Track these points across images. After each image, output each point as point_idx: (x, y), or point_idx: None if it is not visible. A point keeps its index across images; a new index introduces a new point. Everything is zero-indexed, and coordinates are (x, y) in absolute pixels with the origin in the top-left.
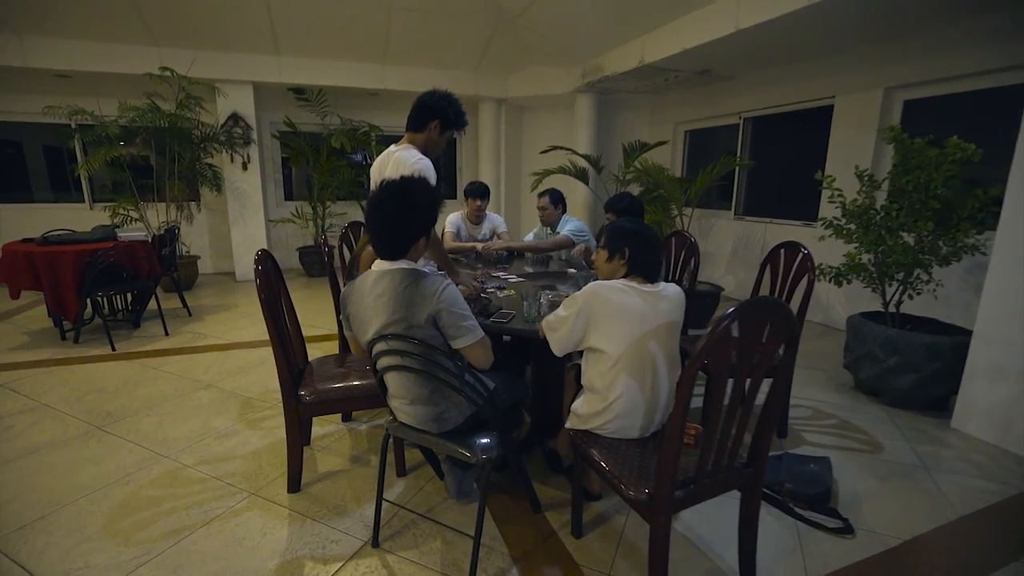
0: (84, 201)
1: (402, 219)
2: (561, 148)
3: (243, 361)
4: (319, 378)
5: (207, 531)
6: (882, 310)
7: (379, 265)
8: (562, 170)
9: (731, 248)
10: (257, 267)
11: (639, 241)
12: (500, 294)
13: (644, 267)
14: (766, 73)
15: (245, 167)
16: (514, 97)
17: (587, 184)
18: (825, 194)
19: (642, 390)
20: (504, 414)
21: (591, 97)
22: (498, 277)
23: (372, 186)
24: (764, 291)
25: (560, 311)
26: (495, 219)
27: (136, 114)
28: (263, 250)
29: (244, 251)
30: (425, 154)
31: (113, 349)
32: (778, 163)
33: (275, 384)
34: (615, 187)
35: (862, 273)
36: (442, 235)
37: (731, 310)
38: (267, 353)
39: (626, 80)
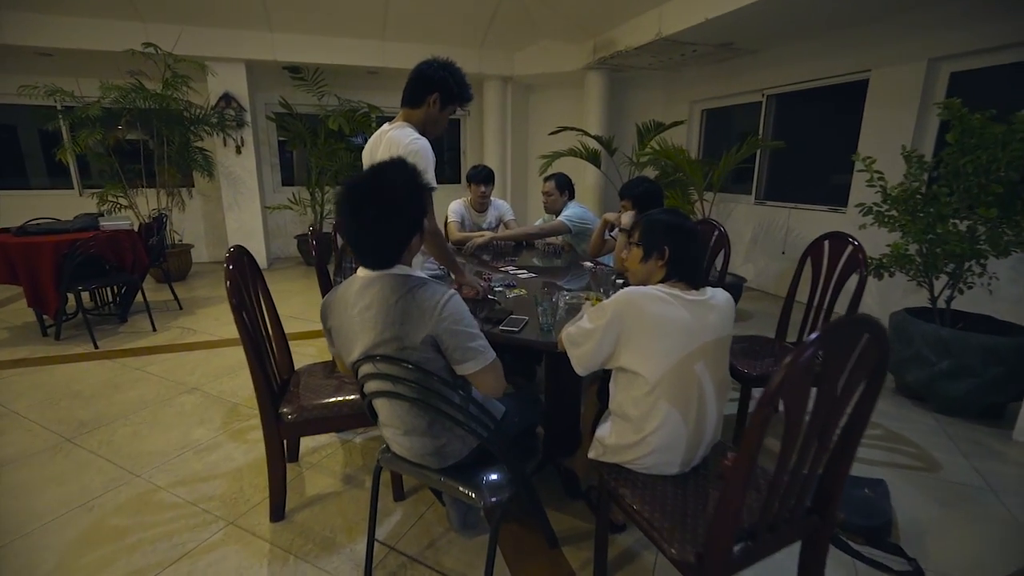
0: (74, 188)
1: (383, 224)
2: (571, 129)
3: (233, 360)
4: (305, 391)
5: (173, 574)
6: (929, 306)
7: (365, 271)
8: (572, 152)
9: (751, 235)
10: (228, 266)
11: (681, 237)
12: (509, 294)
13: (687, 270)
14: (793, 46)
15: (239, 151)
16: (521, 75)
17: (599, 167)
18: (861, 177)
19: (685, 420)
20: (515, 442)
21: (602, 75)
22: (506, 272)
23: None
24: (802, 291)
25: (584, 322)
26: (501, 206)
27: (119, 94)
28: (236, 247)
29: (239, 239)
30: (423, 134)
31: (96, 347)
32: (803, 144)
33: None
34: (629, 170)
35: (907, 265)
36: (445, 225)
37: (814, 336)
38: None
39: (640, 56)
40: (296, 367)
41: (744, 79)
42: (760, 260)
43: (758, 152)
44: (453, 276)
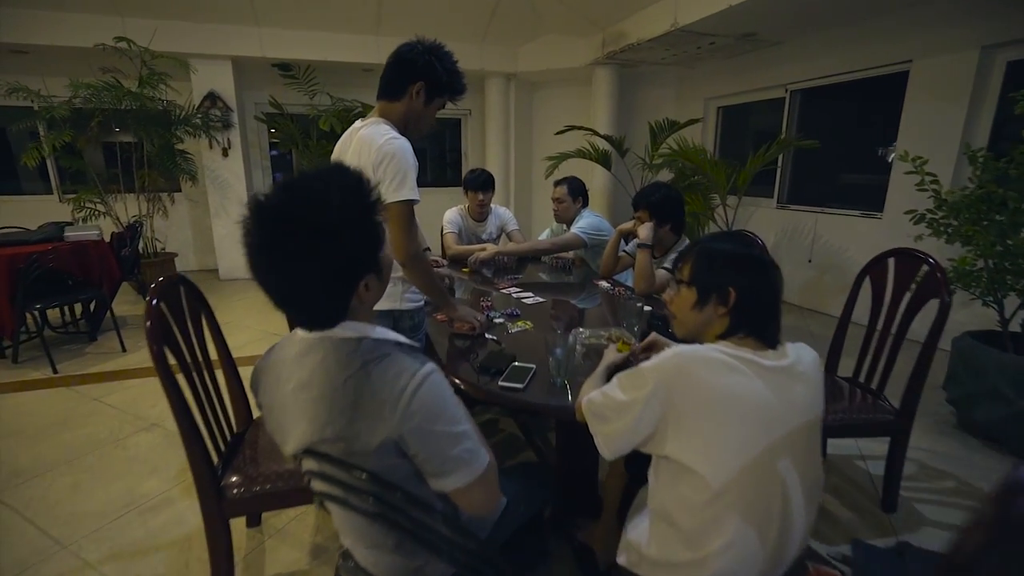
0: (53, 193)
1: (304, 265)
2: (579, 128)
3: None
4: (263, 454)
5: None
6: (997, 329)
7: (303, 331)
8: (580, 153)
9: (773, 242)
10: (152, 301)
11: (752, 275)
12: (511, 328)
13: (761, 320)
14: (821, 36)
15: (225, 153)
16: (524, 72)
17: (609, 169)
18: (900, 180)
19: (763, 541)
20: (515, 545)
21: (611, 70)
22: (508, 294)
23: None
24: (860, 314)
25: (615, 391)
26: (503, 215)
27: (90, 92)
28: (167, 277)
29: (228, 246)
30: (404, 133)
31: (54, 371)
32: (832, 143)
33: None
34: (641, 173)
35: (973, 283)
36: (441, 238)
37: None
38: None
39: (653, 50)
40: (256, 416)
41: (765, 73)
42: (783, 269)
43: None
44: (443, 310)
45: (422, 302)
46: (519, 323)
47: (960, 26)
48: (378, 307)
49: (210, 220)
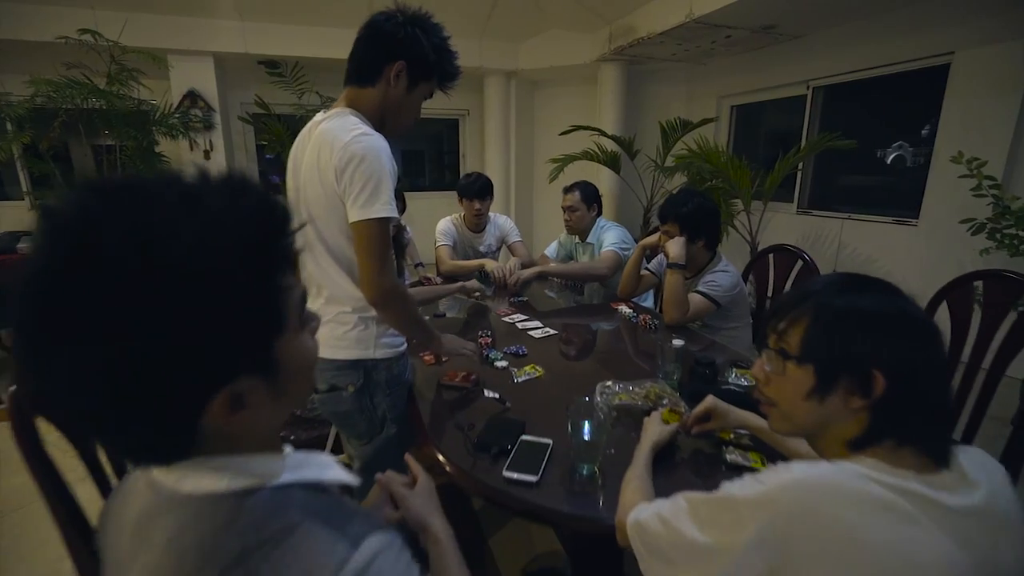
0: (25, 199)
1: (82, 358)
2: (585, 128)
3: None
4: None
5: None
6: None
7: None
8: (587, 155)
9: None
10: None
11: (912, 348)
12: (517, 376)
13: (923, 422)
14: (848, 28)
15: (207, 156)
16: (526, 69)
17: (618, 172)
18: (941, 183)
19: None
20: None
21: (618, 67)
22: (510, 325)
23: (289, 183)
24: None
25: (686, 523)
26: (503, 224)
27: (51, 89)
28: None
29: None
30: (381, 129)
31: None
32: (860, 143)
33: None
34: (652, 175)
35: None
36: (436, 252)
37: None
38: None
39: (664, 44)
40: None
41: (785, 69)
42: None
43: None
44: (427, 345)
45: (403, 347)
46: (527, 369)
47: (1010, 13)
48: (345, 355)
49: None
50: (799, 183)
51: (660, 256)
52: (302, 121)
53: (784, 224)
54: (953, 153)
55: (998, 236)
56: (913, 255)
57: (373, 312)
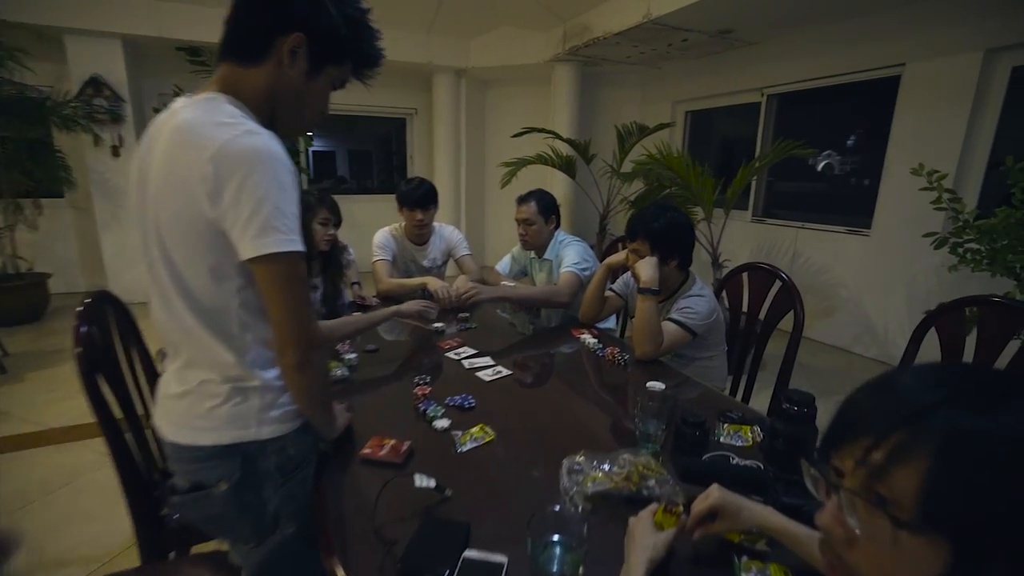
0: None
1: None
2: (539, 131)
3: (68, 472)
4: None
5: None
6: None
7: None
8: (541, 159)
9: (748, 257)
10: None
11: None
12: (460, 443)
13: None
14: (803, 36)
15: (116, 152)
16: (477, 67)
17: (573, 177)
18: (892, 195)
19: None
20: None
21: (572, 68)
22: (455, 362)
23: (134, 199)
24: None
25: None
26: (449, 235)
27: None
28: (97, 293)
29: (120, 265)
30: (271, 125)
31: None
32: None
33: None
34: (608, 181)
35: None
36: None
37: None
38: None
39: (620, 45)
40: None
41: (740, 75)
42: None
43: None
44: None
45: (301, 420)
46: (474, 431)
47: (961, 27)
48: (213, 439)
49: (98, 233)
50: (754, 191)
51: (626, 275)
52: None
53: (739, 232)
54: (904, 164)
55: (960, 250)
56: (866, 265)
57: (254, 380)
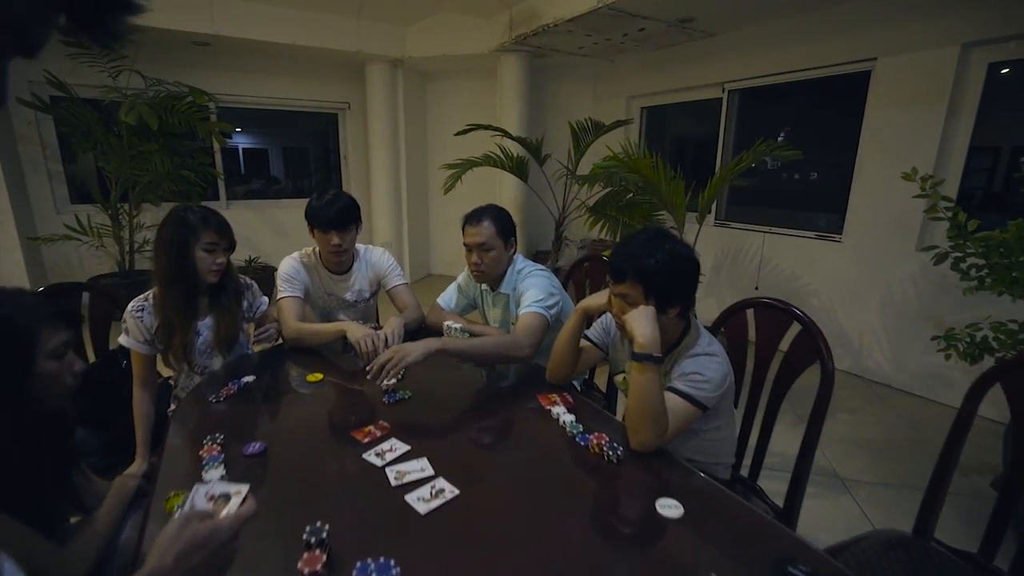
0: None
1: None
2: (486, 128)
3: None
4: None
5: None
6: None
7: None
8: (490, 160)
9: (712, 264)
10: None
11: None
12: None
13: None
14: (767, 27)
15: None
16: (415, 57)
17: (525, 180)
18: (865, 199)
19: None
20: None
21: (520, 59)
22: (377, 468)
23: None
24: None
25: None
26: (378, 260)
27: None
28: None
29: None
30: None
31: None
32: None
33: None
34: (564, 184)
35: None
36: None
37: None
38: None
39: (572, 34)
40: None
41: (699, 70)
42: (726, 295)
43: (718, 161)
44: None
45: None
46: None
47: (936, 20)
48: None
49: None
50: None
51: (605, 319)
52: (112, 108)
53: (702, 236)
54: (877, 165)
55: (963, 267)
56: (839, 272)
57: None
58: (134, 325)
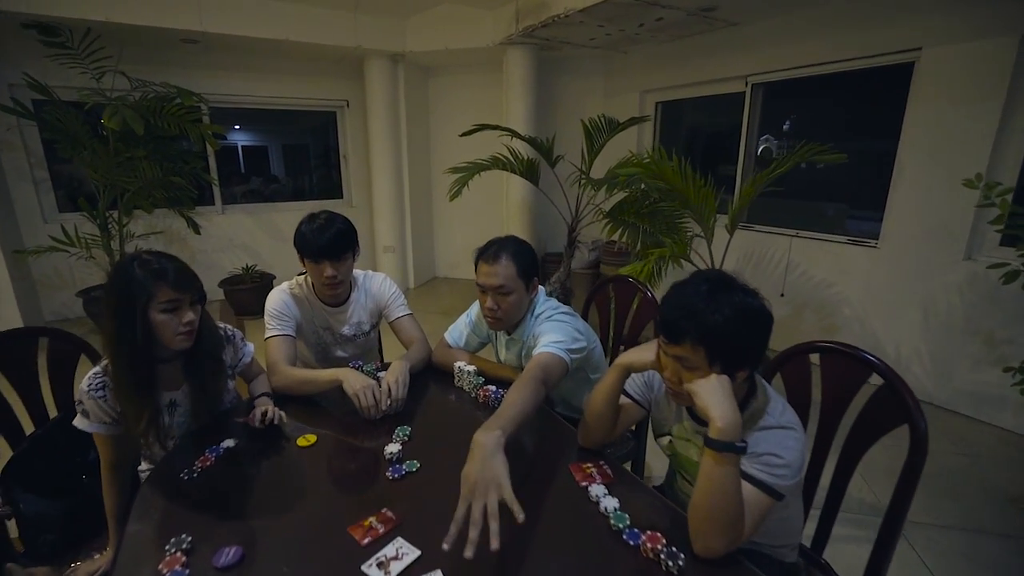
0: None
1: None
2: (493, 128)
3: None
4: None
5: None
6: None
7: None
8: (499, 163)
9: (733, 268)
10: None
11: None
12: None
13: None
14: (795, 17)
15: None
16: (416, 52)
17: (536, 184)
18: (903, 201)
19: None
20: None
21: (527, 53)
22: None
23: None
24: None
25: None
26: (379, 289)
27: None
28: None
29: None
30: None
31: None
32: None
33: None
34: (578, 186)
35: None
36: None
37: None
38: None
39: (584, 25)
40: None
41: (721, 62)
42: None
43: (740, 161)
44: None
45: None
46: None
47: (992, 6)
48: None
49: None
50: (738, 194)
51: (650, 375)
52: (102, 111)
53: (723, 240)
54: (919, 165)
55: None
56: (875, 280)
57: None
58: (94, 407)
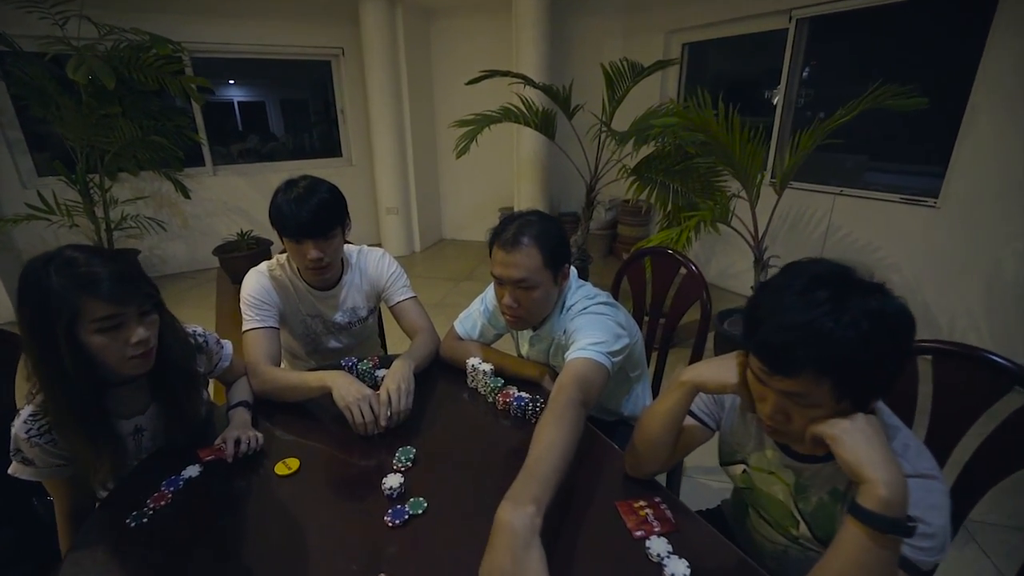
0: None
1: None
2: (503, 75)
3: None
4: None
5: None
6: None
7: None
8: (511, 115)
9: (769, 231)
10: None
11: None
12: None
13: None
14: None
15: None
16: None
17: (552, 138)
18: (969, 154)
19: None
20: None
21: None
22: None
23: None
24: None
25: None
26: (376, 268)
27: None
28: None
29: None
30: None
31: None
32: (856, 94)
33: None
34: (598, 141)
35: None
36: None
37: None
38: None
39: None
40: None
41: None
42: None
43: (779, 111)
44: None
45: None
46: None
47: None
48: None
49: None
50: (775, 148)
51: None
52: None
53: (760, 200)
54: (996, 112)
55: None
56: (931, 244)
57: None
58: (40, 453)
